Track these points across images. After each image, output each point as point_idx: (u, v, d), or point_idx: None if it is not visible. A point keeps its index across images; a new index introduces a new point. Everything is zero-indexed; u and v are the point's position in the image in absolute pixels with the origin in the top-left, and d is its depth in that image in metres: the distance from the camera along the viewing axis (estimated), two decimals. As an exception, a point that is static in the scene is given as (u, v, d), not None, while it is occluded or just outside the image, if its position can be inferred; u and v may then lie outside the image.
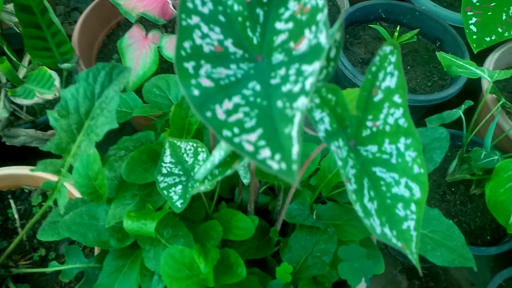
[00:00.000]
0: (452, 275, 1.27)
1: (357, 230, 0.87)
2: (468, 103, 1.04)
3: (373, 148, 0.53)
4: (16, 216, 0.95)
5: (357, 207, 0.50)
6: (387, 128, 0.53)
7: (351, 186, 0.49)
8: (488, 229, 1.14)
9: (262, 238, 0.88)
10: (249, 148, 0.36)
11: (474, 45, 1.16)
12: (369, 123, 0.53)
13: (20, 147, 1.06)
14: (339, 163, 0.49)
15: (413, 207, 0.54)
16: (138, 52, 1.14)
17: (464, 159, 1.06)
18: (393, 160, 0.53)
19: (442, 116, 1.03)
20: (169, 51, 1.12)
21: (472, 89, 1.38)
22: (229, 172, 0.58)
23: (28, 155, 1.14)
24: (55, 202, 0.86)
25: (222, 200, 0.89)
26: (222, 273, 0.73)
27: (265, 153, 0.36)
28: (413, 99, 1.25)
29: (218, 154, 0.57)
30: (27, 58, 1.14)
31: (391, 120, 0.52)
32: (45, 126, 1.09)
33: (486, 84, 1.12)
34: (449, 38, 1.49)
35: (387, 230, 0.51)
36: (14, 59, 1.08)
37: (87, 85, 0.69)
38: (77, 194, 0.93)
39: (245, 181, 0.66)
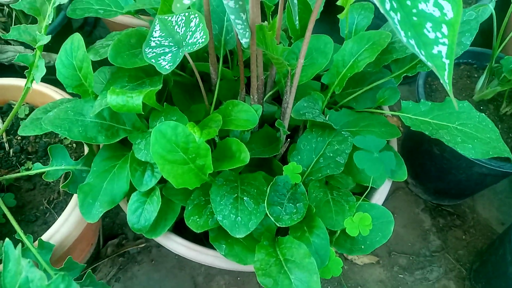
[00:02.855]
0: (480, 214, 1.16)
1: (376, 135, 0.77)
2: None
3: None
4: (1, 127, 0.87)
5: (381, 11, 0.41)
6: None
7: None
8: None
9: (268, 144, 0.79)
10: None
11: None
12: None
13: (8, 67, 0.99)
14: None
15: (444, 29, 0.44)
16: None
17: (493, 72, 0.96)
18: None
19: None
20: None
21: None
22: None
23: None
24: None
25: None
26: (223, 161, 0.65)
27: None
28: None
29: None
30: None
31: None
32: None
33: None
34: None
35: (414, 44, 0.42)
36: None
37: None
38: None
39: (244, 41, 0.57)
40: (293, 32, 0.80)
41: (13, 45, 1.02)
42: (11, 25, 1.09)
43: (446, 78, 0.45)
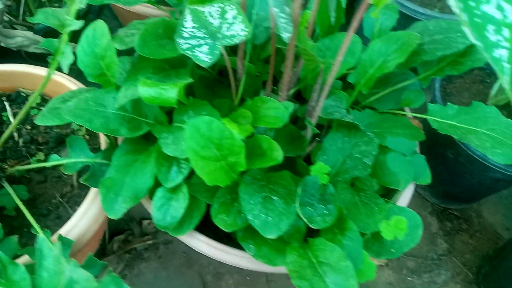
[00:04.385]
0: (485, 218, 1.17)
1: (399, 137, 0.77)
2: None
3: None
4: (12, 119, 0.83)
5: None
6: None
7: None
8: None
9: (291, 143, 0.77)
10: None
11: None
12: None
13: (14, 54, 0.95)
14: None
15: (505, 32, 0.43)
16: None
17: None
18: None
19: None
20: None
21: None
22: None
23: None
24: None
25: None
26: (254, 159, 0.63)
27: None
28: None
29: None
30: None
31: None
32: (44, 34, 0.97)
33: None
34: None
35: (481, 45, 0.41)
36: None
37: None
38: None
39: (286, 35, 0.55)
40: (322, 28, 0.78)
41: (19, 29, 0.98)
42: (17, 9, 1.05)
43: (506, 83, 0.44)
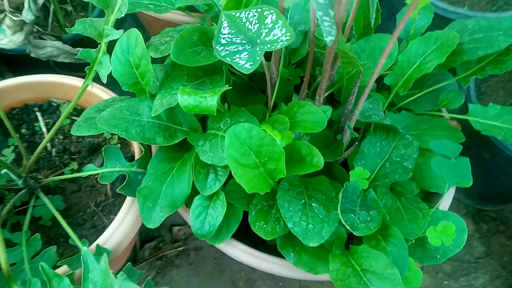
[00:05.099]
0: (522, 219, 1.14)
1: (438, 139, 0.74)
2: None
3: None
4: (44, 129, 0.84)
5: None
6: None
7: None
8: None
9: (327, 147, 0.75)
10: None
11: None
12: None
13: (43, 64, 0.95)
14: None
15: None
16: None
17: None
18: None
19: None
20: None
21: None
22: None
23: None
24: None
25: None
26: (293, 166, 0.61)
27: None
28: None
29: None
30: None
31: None
32: (72, 44, 0.98)
33: None
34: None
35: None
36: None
37: None
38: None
39: (329, 39, 0.53)
40: (357, 30, 0.77)
41: (48, 40, 0.98)
42: (44, 19, 1.05)
43: None
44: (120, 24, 1.45)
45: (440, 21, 0.96)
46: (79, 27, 0.54)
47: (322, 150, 0.74)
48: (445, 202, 0.73)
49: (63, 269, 0.62)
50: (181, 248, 1.02)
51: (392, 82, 0.75)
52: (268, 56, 0.76)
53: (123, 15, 0.55)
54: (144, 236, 1.03)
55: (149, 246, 1.01)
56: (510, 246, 1.09)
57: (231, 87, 0.64)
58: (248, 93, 0.83)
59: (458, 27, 0.76)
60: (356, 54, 0.76)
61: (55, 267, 0.61)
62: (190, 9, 0.87)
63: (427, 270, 1.04)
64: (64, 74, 0.85)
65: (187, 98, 0.57)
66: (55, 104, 0.87)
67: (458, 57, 0.73)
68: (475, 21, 0.76)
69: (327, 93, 0.81)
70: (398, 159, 0.70)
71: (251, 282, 0.99)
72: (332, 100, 0.86)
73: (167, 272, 0.99)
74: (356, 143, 0.74)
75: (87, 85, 0.61)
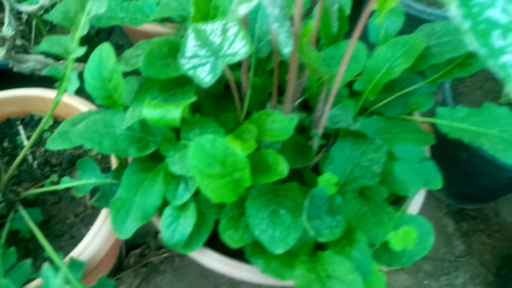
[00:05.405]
0: (504, 217, 1.15)
1: (409, 142, 0.76)
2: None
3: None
4: (26, 142, 0.85)
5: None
6: None
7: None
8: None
9: (298, 153, 0.77)
10: None
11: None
12: None
13: (27, 77, 0.97)
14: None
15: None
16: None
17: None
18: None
19: None
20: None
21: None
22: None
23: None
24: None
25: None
26: (260, 174, 0.63)
27: None
28: None
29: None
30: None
31: None
32: (55, 57, 0.99)
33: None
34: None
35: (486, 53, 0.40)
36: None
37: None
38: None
39: (287, 49, 0.55)
40: (326, 37, 0.78)
41: (33, 54, 1.00)
42: (29, 33, 1.07)
43: None
44: (108, 33, 1.47)
45: (419, 23, 0.97)
46: (45, 45, 0.56)
47: (294, 157, 0.76)
48: (415, 204, 0.74)
49: (37, 282, 0.64)
50: (166, 255, 1.04)
51: (361, 87, 0.77)
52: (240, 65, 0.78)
53: (85, 33, 0.57)
54: (130, 243, 1.05)
55: (134, 253, 1.03)
56: (490, 245, 1.10)
57: (199, 98, 0.66)
58: (225, 102, 0.84)
59: (427, 31, 0.78)
60: (325, 61, 0.77)
61: (29, 280, 0.63)
62: (166, 19, 0.89)
63: (407, 270, 1.05)
64: (49, 87, 0.87)
65: (152, 111, 0.59)
66: (36, 118, 0.89)
67: (426, 60, 0.74)
68: (442, 25, 0.77)
69: (299, 100, 0.83)
70: (367, 164, 0.71)
71: (234, 286, 1.01)
72: (308, 106, 0.88)
73: (152, 278, 1.01)
74: (325, 149, 0.76)
75: (58, 100, 0.63)
